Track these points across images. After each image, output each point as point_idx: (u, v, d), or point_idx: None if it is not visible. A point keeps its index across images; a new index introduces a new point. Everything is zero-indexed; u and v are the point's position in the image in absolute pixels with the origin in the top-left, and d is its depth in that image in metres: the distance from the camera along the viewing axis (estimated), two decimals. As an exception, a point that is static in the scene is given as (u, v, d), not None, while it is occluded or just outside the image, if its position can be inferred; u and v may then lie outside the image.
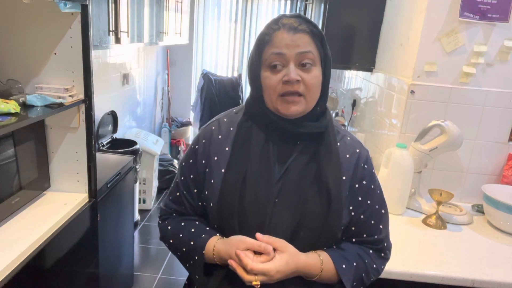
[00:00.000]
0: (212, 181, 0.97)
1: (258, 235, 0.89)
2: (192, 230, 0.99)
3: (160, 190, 3.93)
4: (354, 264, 0.96)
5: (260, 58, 0.92)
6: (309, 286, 0.96)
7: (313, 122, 0.95)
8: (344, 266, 0.95)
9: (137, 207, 3.37)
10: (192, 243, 0.97)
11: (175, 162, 4.18)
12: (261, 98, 0.94)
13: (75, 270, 1.68)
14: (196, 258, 0.96)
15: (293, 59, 0.89)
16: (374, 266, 1.00)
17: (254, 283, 0.85)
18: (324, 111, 0.97)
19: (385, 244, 1.02)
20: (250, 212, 0.92)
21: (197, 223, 1.02)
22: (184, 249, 0.99)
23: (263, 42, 0.92)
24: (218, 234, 0.97)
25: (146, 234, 3.29)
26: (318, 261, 0.94)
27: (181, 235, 1.00)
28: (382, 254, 1.03)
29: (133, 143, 3.16)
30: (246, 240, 0.89)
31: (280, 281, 0.89)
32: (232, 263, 0.88)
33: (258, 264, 0.86)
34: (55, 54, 1.54)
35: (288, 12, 4.79)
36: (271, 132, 0.96)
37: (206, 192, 0.98)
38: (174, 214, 1.06)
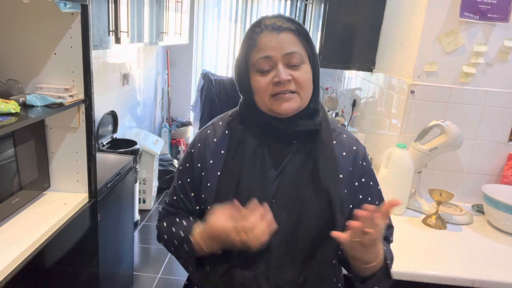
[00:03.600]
0: (209, 184, 0.98)
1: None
2: (184, 223, 1.00)
3: (160, 190, 3.93)
4: (385, 248, 0.96)
5: (247, 63, 0.92)
6: (304, 270, 0.94)
7: (307, 120, 0.95)
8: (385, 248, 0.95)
9: (137, 207, 3.37)
10: (182, 234, 0.97)
11: (175, 162, 4.18)
12: (252, 102, 0.95)
13: (75, 270, 1.68)
14: (186, 248, 0.96)
15: (280, 60, 0.89)
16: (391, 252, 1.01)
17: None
18: (317, 108, 0.97)
19: (391, 238, 1.05)
20: None
21: (191, 218, 1.02)
22: (176, 242, 0.99)
23: (248, 46, 0.92)
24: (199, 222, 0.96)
25: (146, 234, 3.29)
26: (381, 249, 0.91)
27: (173, 229, 1.00)
28: (389, 245, 1.04)
29: (133, 143, 3.16)
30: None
31: (276, 265, 0.90)
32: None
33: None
34: (55, 54, 1.54)
35: (288, 13, 4.81)
36: (265, 135, 0.96)
37: (203, 196, 0.99)
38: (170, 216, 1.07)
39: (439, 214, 1.62)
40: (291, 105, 0.91)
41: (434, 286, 1.30)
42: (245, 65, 0.93)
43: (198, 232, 0.94)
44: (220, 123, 1.03)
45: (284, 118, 0.93)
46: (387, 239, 1.04)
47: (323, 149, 0.95)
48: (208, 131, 1.02)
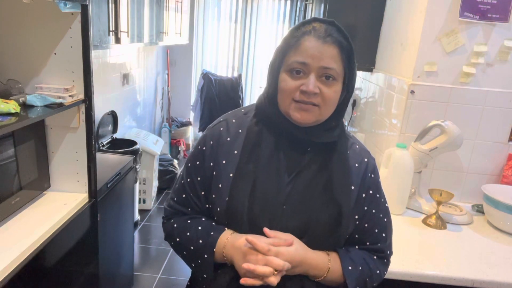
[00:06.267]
0: (220, 185, 0.95)
1: (266, 230, 0.89)
2: (199, 228, 0.97)
3: (160, 190, 3.93)
4: (360, 268, 0.96)
5: (282, 60, 0.90)
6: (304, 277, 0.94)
7: (325, 131, 0.93)
8: (350, 268, 0.94)
9: (137, 207, 3.37)
10: (200, 241, 0.95)
11: (175, 162, 4.18)
12: (275, 98, 0.93)
13: (75, 270, 1.68)
14: (206, 256, 0.94)
15: (315, 71, 0.87)
16: (378, 272, 1.00)
17: (275, 272, 0.85)
18: (337, 123, 0.96)
19: (388, 252, 1.03)
20: (259, 218, 0.91)
21: (203, 219, 1.00)
22: (192, 248, 0.96)
23: (289, 44, 0.89)
24: (226, 229, 0.95)
25: (146, 234, 3.29)
26: (326, 259, 0.94)
27: (188, 234, 0.98)
28: (385, 261, 1.03)
29: (133, 143, 3.16)
30: (254, 244, 0.88)
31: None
32: (249, 265, 0.86)
33: (273, 247, 0.87)
34: (55, 54, 1.54)
35: (288, 13, 4.80)
36: (281, 137, 0.94)
37: (214, 196, 0.96)
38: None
39: (439, 214, 1.62)
40: (308, 117, 0.89)
41: (434, 286, 1.30)
42: (280, 61, 0.91)
43: (223, 242, 0.93)
44: (234, 120, 1.00)
45: (303, 127, 0.91)
46: (380, 257, 1.02)
47: (338, 161, 0.94)
48: (221, 128, 0.99)
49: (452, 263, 1.35)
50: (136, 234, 3.25)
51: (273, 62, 0.93)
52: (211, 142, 0.98)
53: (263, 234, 0.90)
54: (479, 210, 1.78)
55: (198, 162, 0.99)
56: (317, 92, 0.87)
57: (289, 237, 0.90)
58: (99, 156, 2.02)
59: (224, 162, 0.96)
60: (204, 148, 0.99)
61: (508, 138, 1.80)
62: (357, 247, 1.00)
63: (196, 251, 0.96)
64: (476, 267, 1.34)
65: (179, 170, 4.05)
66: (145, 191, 3.59)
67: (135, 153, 3.01)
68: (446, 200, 1.61)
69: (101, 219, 1.82)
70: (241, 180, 0.92)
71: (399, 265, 1.30)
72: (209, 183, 0.97)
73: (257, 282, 0.86)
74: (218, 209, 0.95)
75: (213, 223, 0.98)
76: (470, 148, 1.81)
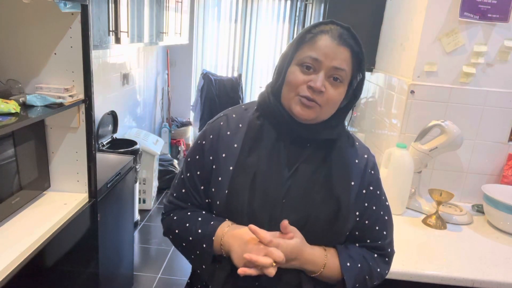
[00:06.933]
0: (220, 178, 0.95)
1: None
2: (199, 219, 0.97)
3: (160, 190, 3.93)
4: (359, 265, 0.96)
5: (294, 53, 0.91)
6: (299, 285, 0.94)
7: (327, 129, 0.94)
8: (348, 264, 0.94)
9: (137, 207, 3.37)
10: (199, 231, 0.94)
11: (175, 162, 4.18)
12: (279, 90, 0.94)
13: (75, 270, 1.68)
14: (204, 246, 0.93)
15: (325, 69, 0.88)
16: (378, 270, 0.99)
17: (273, 264, 0.85)
18: (338, 123, 0.97)
19: (389, 250, 1.02)
20: (259, 212, 0.91)
21: (203, 212, 0.99)
22: (190, 238, 0.96)
23: (303, 39, 0.91)
24: (227, 220, 0.94)
25: (146, 234, 3.30)
26: (323, 254, 0.93)
27: (187, 225, 0.97)
28: (386, 259, 1.02)
29: (133, 143, 3.16)
30: (257, 233, 0.87)
31: (273, 278, 0.88)
32: (251, 256, 0.84)
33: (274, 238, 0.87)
34: (55, 54, 1.54)
35: (288, 13, 4.81)
36: (282, 131, 0.95)
37: (213, 190, 0.96)
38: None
39: (439, 214, 1.62)
40: (309, 113, 0.90)
41: (434, 286, 1.30)
42: (292, 53, 0.92)
43: (222, 231, 0.92)
44: (234, 115, 1.00)
45: (304, 124, 0.92)
46: (381, 255, 1.01)
47: (338, 156, 0.95)
48: (221, 123, 0.99)
49: (452, 263, 1.35)
50: (136, 234, 3.25)
51: (285, 54, 0.95)
52: (211, 136, 0.99)
53: (262, 227, 0.89)
54: (479, 210, 1.78)
55: (197, 157, 0.99)
56: (323, 90, 0.88)
57: (292, 230, 0.90)
58: (99, 156, 2.02)
59: (224, 155, 0.96)
60: (204, 143, 0.99)
61: (508, 138, 1.80)
62: (357, 244, 1.00)
63: (195, 241, 0.95)
64: (476, 267, 1.34)
65: (179, 170, 4.05)
66: (145, 191, 3.59)
67: (135, 153, 3.01)
68: (446, 200, 1.61)
69: (101, 219, 1.82)
70: (241, 174, 0.92)
71: (399, 265, 1.30)
72: (209, 177, 0.97)
73: (254, 272, 0.85)
74: (218, 203, 0.95)
75: (213, 215, 0.98)
76: (470, 148, 1.81)
